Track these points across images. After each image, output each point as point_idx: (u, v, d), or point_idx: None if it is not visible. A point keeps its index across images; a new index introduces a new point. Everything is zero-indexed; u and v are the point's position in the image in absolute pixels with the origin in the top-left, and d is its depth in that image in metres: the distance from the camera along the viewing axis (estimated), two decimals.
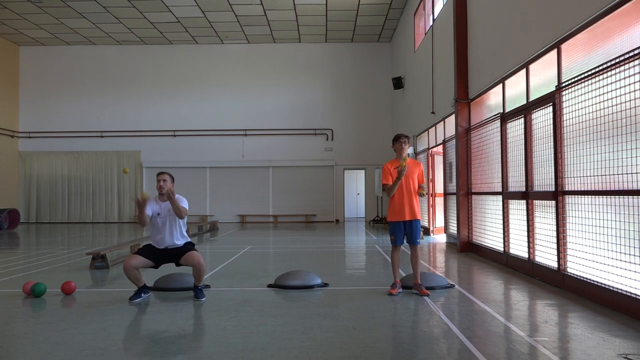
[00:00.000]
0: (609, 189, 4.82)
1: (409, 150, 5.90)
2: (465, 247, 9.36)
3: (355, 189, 22.36)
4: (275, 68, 19.92)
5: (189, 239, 5.67)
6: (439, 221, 12.53)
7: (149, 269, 5.58)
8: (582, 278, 5.29)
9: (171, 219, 5.44)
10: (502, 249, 7.66)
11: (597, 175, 5.00)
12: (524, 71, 7.05)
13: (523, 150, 6.90)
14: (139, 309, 5.03)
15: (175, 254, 5.48)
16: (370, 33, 18.82)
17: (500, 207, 7.81)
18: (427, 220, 12.92)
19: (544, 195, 6.22)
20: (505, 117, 7.67)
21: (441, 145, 11.79)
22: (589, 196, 5.17)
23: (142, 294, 5.40)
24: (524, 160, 6.88)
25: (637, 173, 4.36)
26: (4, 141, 19.16)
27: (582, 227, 5.30)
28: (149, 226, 5.47)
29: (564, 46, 5.85)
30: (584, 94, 5.25)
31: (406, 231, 5.65)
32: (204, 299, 5.37)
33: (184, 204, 5.45)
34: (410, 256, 5.73)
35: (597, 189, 5.02)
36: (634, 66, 4.40)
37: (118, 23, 17.49)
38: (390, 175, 5.65)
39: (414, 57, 15.13)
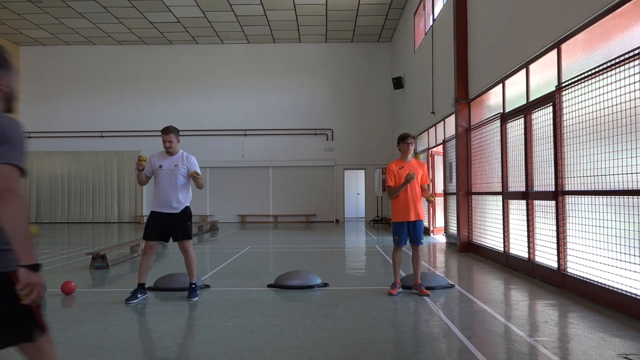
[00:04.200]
0: (609, 189, 4.82)
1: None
2: (465, 247, 9.36)
3: (355, 189, 22.35)
4: (275, 68, 19.92)
5: (188, 204, 5.54)
6: (439, 221, 12.52)
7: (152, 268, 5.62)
8: (582, 278, 5.29)
9: (175, 175, 5.36)
10: (502, 249, 7.66)
11: (597, 175, 5.00)
12: (524, 71, 7.05)
13: (523, 150, 6.90)
14: (139, 309, 5.04)
15: (174, 226, 5.40)
16: (370, 33, 18.82)
17: (500, 207, 7.80)
18: (427, 220, 12.92)
19: (544, 195, 6.22)
20: (505, 117, 7.67)
21: (441, 145, 11.80)
22: (589, 196, 5.17)
23: (139, 295, 5.34)
24: (524, 160, 6.88)
25: (637, 173, 4.36)
26: None
27: (582, 227, 5.30)
28: (152, 180, 5.49)
29: (564, 46, 5.85)
30: (584, 94, 5.25)
31: (410, 232, 5.65)
32: (195, 299, 5.35)
33: (197, 168, 5.46)
34: (412, 256, 5.73)
35: (597, 189, 5.02)
36: (634, 66, 4.40)
37: (118, 23, 17.49)
38: (394, 176, 5.63)
39: (414, 57, 15.13)
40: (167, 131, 5.35)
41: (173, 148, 5.39)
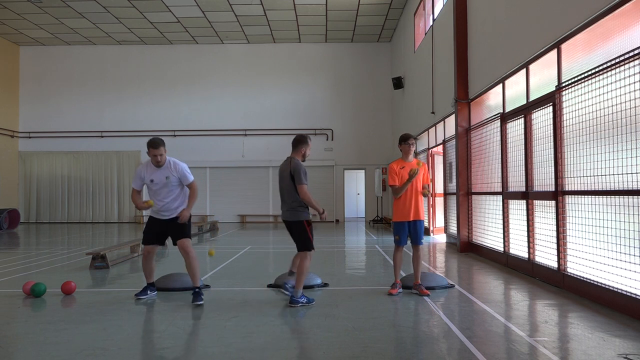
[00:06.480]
0: (609, 189, 4.82)
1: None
2: (465, 247, 9.36)
3: (355, 189, 22.35)
4: (275, 68, 19.92)
5: (185, 206, 5.45)
6: (439, 221, 12.53)
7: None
8: (582, 278, 5.29)
9: (168, 186, 5.33)
10: (502, 249, 7.66)
11: (597, 175, 5.00)
12: (524, 71, 7.05)
13: (523, 150, 6.90)
14: (139, 309, 5.04)
15: (173, 228, 5.39)
16: (370, 33, 18.81)
17: (500, 207, 7.80)
18: (427, 221, 12.93)
19: (544, 195, 6.22)
20: (505, 117, 7.67)
21: (441, 145, 11.80)
22: (589, 196, 5.17)
23: (149, 291, 5.49)
24: (524, 160, 6.88)
25: (637, 173, 4.36)
26: (4, 141, 19.15)
27: (582, 227, 5.30)
28: (148, 193, 5.51)
29: (564, 46, 5.85)
30: (584, 94, 5.25)
31: (410, 231, 5.65)
32: (201, 302, 5.14)
33: (188, 176, 5.41)
34: (412, 256, 5.73)
35: (597, 189, 5.02)
36: (634, 66, 4.40)
37: (118, 23, 17.49)
38: (397, 175, 5.63)
39: (414, 57, 15.13)
40: (157, 145, 5.24)
41: (163, 160, 5.33)
